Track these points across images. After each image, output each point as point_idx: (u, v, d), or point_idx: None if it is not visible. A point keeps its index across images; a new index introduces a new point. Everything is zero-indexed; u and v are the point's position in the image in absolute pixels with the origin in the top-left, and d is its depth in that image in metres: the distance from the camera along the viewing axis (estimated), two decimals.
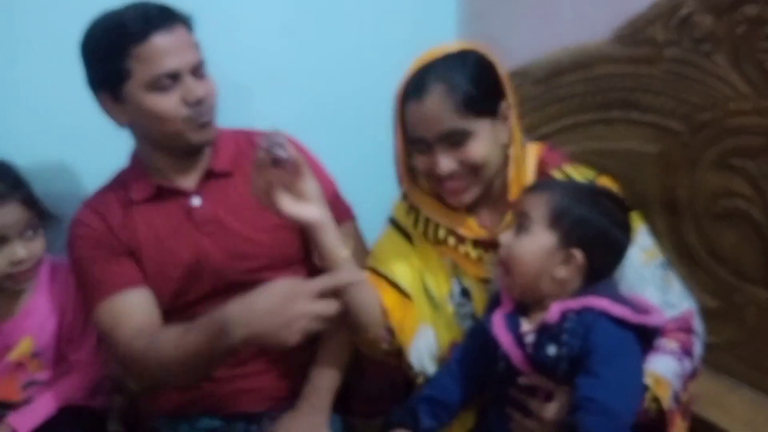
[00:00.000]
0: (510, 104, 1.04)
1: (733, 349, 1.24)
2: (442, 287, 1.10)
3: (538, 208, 0.93)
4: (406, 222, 1.14)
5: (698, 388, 1.04)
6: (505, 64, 1.53)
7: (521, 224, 0.94)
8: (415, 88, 1.00)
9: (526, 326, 0.94)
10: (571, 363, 0.88)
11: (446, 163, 0.99)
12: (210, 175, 1.18)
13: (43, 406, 1.25)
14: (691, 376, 1.01)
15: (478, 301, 1.07)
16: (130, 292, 1.12)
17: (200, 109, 1.09)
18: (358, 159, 1.54)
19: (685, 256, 1.27)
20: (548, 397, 0.93)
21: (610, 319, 0.88)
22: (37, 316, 1.27)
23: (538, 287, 0.93)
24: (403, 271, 1.11)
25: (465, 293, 1.09)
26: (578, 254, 0.91)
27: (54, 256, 1.30)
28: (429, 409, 1.02)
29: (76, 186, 1.42)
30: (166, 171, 1.16)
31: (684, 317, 1.05)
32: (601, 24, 1.33)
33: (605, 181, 1.07)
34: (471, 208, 1.09)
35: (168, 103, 1.07)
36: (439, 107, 0.97)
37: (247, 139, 1.24)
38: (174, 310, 1.15)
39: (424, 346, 1.10)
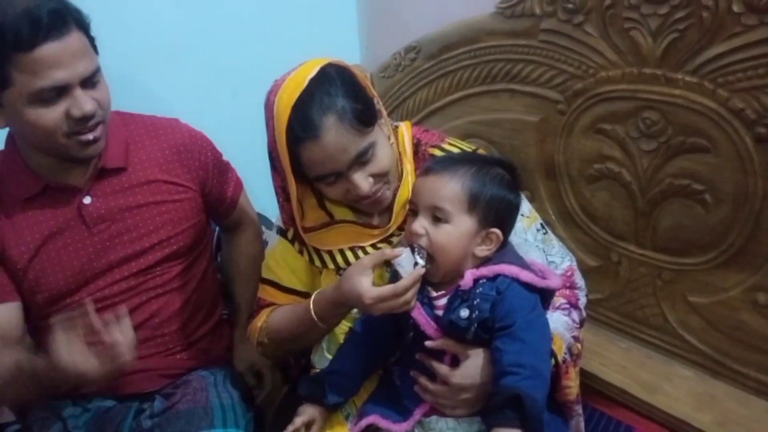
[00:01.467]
0: (378, 98, 1.05)
1: (611, 303, 1.33)
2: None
3: (452, 197, 0.94)
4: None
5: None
6: (402, 39, 1.59)
7: (436, 215, 0.95)
8: (304, 129, 0.95)
9: (434, 293, 0.98)
10: (481, 326, 0.92)
11: (364, 182, 0.99)
12: (102, 173, 1.13)
13: None
14: (578, 327, 1.09)
15: None
16: None
17: (87, 124, 1.02)
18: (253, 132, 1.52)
19: (565, 218, 1.36)
20: (453, 362, 0.96)
21: (519, 284, 0.93)
22: None
23: (459, 268, 0.96)
24: (296, 277, 1.15)
25: None
26: (497, 231, 0.96)
27: None
28: (336, 382, 1.03)
29: None
30: (52, 168, 1.09)
31: (566, 274, 1.13)
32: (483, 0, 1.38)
33: (482, 152, 1.13)
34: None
35: (50, 116, 0.99)
36: (341, 138, 0.95)
37: (142, 124, 1.20)
38: (60, 308, 1.12)
39: (325, 343, 1.14)
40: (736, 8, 1.00)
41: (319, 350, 1.17)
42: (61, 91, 0.98)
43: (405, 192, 1.07)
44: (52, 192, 1.10)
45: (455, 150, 1.12)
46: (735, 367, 1.17)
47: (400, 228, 1.08)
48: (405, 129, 1.14)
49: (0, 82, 0.97)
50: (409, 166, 1.10)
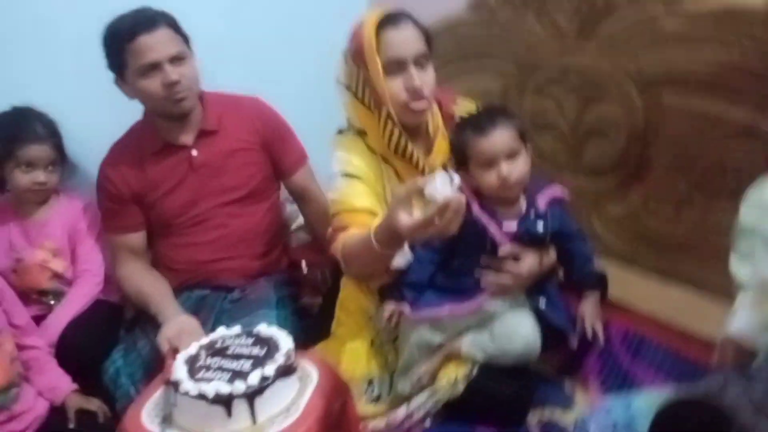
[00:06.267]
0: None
1: None
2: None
3: (514, 136, 1.25)
4: (377, 134, 1.35)
5: None
6: None
7: (511, 155, 1.24)
8: (388, 19, 1.27)
9: (505, 216, 1.28)
10: (553, 235, 1.29)
11: (420, 79, 1.28)
12: (202, 133, 1.62)
13: (72, 303, 1.70)
14: None
15: None
16: (127, 235, 1.63)
17: (176, 88, 1.49)
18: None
19: None
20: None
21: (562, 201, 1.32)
22: (53, 227, 1.71)
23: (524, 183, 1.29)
24: (367, 186, 1.37)
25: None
26: (529, 146, 1.30)
27: (71, 191, 1.78)
28: (410, 288, 1.31)
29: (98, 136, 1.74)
30: (169, 130, 1.61)
31: None
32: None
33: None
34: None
35: (152, 85, 1.48)
36: (414, 33, 1.30)
37: (231, 101, 1.69)
38: (172, 226, 1.64)
39: None
40: None
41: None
42: (156, 67, 1.47)
43: (440, 138, 1.39)
44: (170, 148, 1.62)
45: (466, 106, 1.45)
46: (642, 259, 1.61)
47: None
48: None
49: (121, 65, 1.49)
50: (439, 119, 1.43)
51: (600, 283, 1.35)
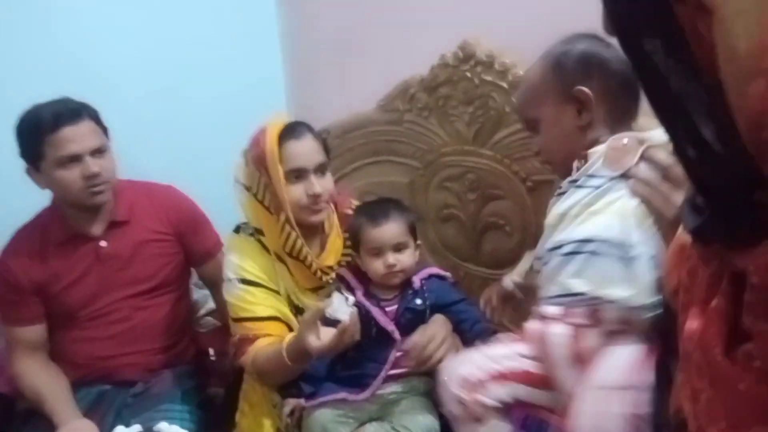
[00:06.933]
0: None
1: None
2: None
3: (401, 232, 1.43)
4: (274, 235, 1.44)
5: None
6: (316, 124, 2.17)
7: (398, 247, 1.41)
8: (289, 131, 1.40)
9: (384, 298, 1.43)
10: (431, 307, 1.42)
11: (320, 185, 1.41)
12: (112, 224, 1.63)
13: None
14: None
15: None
16: (25, 328, 1.59)
17: (95, 180, 1.50)
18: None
19: (429, 248, 1.91)
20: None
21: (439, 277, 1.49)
22: None
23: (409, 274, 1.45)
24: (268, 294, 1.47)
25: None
26: (419, 242, 1.49)
27: None
28: (308, 382, 1.42)
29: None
30: (78, 220, 1.59)
31: None
32: (369, 99, 1.97)
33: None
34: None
35: (70, 176, 1.48)
36: (314, 144, 1.43)
37: (144, 189, 1.71)
38: (74, 319, 1.61)
39: None
40: (507, 109, 1.61)
41: None
42: (76, 159, 1.47)
43: (334, 236, 1.53)
44: (77, 238, 1.60)
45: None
46: None
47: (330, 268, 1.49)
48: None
49: (37, 156, 1.49)
50: (334, 218, 1.58)
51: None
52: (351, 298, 1.24)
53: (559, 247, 1.13)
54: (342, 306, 1.21)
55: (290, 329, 1.45)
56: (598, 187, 1.09)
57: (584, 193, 1.10)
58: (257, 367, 1.41)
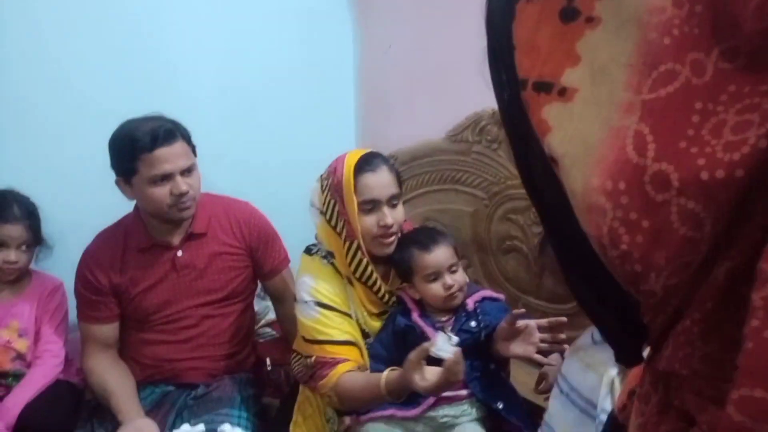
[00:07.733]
0: None
1: None
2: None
3: (451, 253, 1.40)
4: (345, 260, 1.44)
5: None
6: (384, 150, 2.23)
7: (452, 268, 1.39)
8: (366, 162, 1.39)
9: (441, 319, 1.41)
10: (485, 330, 1.37)
11: (392, 217, 1.39)
12: (191, 235, 1.66)
13: (31, 384, 1.69)
14: None
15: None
16: (100, 326, 1.65)
17: (183, 198, 1.54)
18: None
19: (489, 279, 1.93)
20: None
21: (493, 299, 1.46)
22: (23, 307, 1.75)
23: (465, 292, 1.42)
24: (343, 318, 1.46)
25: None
26: (463, 260, 1.51)
27: (44, 272, 1.82)
28: None
29: (77, 221, 1.82)
30: (160, 231, 1.66)
31: None
32: (438, 128, 2.03)
33: None
34: None
35: (160, 193, 1.52)
36: (389, 176, 1.41)
37: (222, 204, 1.76)
38: (147, 323, 1.67)
39: None
40: None
41: None
42: (168, 178, 1.52)
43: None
44: (157, 247, 1.67)
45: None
46: None
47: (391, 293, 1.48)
48: None
49: (131, 171, 1.55)
50: None
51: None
52: (455, 338, 1.26)
53: None
54: (446, 345, 1.23)
55: (361, 354, 1.47)
56: None
57: None
58: (341, 390, 1.40)
